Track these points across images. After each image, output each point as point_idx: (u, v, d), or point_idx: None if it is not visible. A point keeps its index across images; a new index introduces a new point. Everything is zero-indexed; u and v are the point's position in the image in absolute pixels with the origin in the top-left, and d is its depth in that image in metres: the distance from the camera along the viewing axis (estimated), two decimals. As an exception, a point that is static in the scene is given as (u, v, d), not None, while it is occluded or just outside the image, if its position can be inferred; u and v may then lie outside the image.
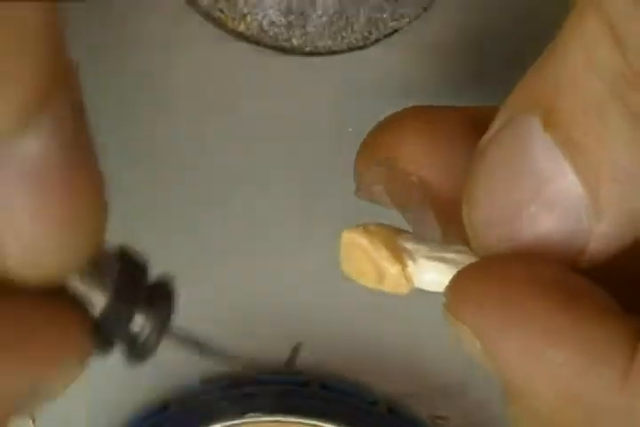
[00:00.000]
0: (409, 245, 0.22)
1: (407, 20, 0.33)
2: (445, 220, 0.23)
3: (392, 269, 0.22)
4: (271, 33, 0.32)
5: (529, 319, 0.19)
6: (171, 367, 0.35)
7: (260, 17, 0.32)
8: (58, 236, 0.18)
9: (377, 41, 0.33)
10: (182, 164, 0.34)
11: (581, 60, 0.19)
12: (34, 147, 0.17)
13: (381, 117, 0.25)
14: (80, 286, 0.20)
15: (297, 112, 0.34)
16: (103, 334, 0.20)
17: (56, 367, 0.19)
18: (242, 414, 0.34)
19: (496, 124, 0.21)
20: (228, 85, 0.33)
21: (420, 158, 0.23)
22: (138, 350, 0.21)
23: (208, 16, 0.32)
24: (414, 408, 0.37)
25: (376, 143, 0.24)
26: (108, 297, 0.20)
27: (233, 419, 0.34)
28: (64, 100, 0.17)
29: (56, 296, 0.20)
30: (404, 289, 0.22)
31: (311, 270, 0.35)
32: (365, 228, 0.22)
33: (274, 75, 0.33)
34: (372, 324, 0.36)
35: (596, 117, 0.19)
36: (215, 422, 0.34)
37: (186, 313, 0.35)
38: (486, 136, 0.21)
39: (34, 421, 0.36)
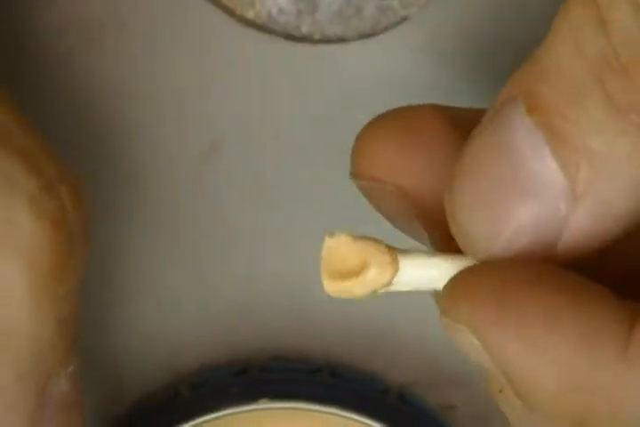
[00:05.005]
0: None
1: (416, 7, 0.33)
2: (431, 227, 0.23)
3: (378, 257, 0.22)
4: (280, 20, 0.32)
5: (523, 306, 0.19)
6: (180, 353, 0.35)
7: (269, 4, 0.32)
8: None
9: (387, 29, 0.33)
10: (187, 151, 0.34)
11: (566, 43, 0.19)
12: (65, 385, 0.23)
13: (391, 106, 0.25)
14: None
15: (306, 100, 0.34)
16: None
17: None
18: (251, 400, 0.34)
19: (489, 111, 0.20)
20: (237, 73, 0.33)
21: (395, 166, 0.23)
22: None
23: (217, 3, 0.32)
24: (424, 397, 0.37)
25: (353, 155, 0.24)
26: None
27: (242, 405, 0.34)
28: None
29: None
30: (385, 278, 0.22)
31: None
32: (348, 233, 0.22)
33: (283, 63, 0.33)
34: (383, 312, 0.36)
35: (576, 102, 0.19)
36: (225, 409, 0.34)
37: (199, 297, 0.35)
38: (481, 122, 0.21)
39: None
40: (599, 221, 0.19)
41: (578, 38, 0.19)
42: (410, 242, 0.24)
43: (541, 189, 0.19)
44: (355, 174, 0.24)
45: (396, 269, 0.21)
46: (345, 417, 0.34)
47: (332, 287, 0.22)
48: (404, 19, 0.33)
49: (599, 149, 0.19)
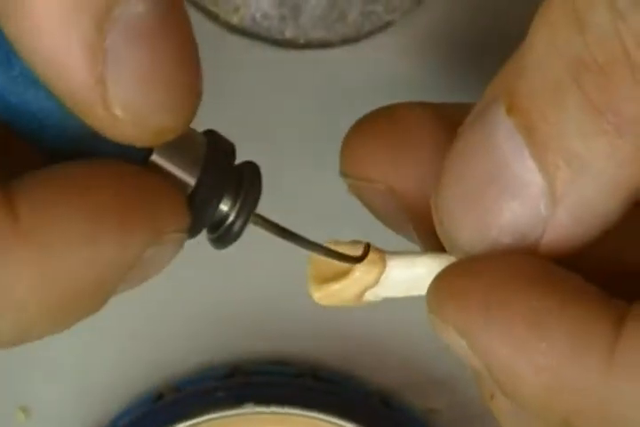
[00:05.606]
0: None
1: (400, 13, 0.33)
2: (419, 224, 0.23)
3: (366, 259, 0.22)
4: (264, 25, 0.32)
5: (510, 310, 0.19)
6: (165, 356, 0.35)
7: (253, 9, 0.32)
8: (163, 93, 0.18)
9: (370, 33, 0.33)
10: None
11: (544, 44, 0.19)
12: (139, 8, 0.18)
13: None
14: (170, 167, 0.20)
15: (291, 104, 0.34)
16: (193, 214, 0.20)
17: (160, 238, 0.19)
18: (235, 404, 0.34)
19: (474, 111, 0.20)
20: (221, 78, 0.33)
21: (383, 164, 0.23)
22: (224, 234, 0.21)
23: (200, 8, 0.32)
24: (408, 401, 0.37)
25: (342, 153, 0.24)
26: (198, 177, 0.20)
27: (226, 409, 0.34)
28: None
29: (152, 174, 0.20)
30: (373, 277, 0.22)
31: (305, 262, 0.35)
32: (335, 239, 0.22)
33: (267, 68, 0.33)
34: (367, 317, 0.36)
35: (554, 102, 0.19)
36: (208, 413, 0.34)
37: (186, 301, 0.35)
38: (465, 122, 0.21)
39: (25, 411, 0.36)
40: (579, 221, 0.19)
41: (556, 38, 0.19)
42: (404, 247, 0.24)
43: (522, 191, 0.19)
44: (344, 173, 0.24)
45: (383, 266, 0.21)
46: (329, 422, 0.34)
47: (319, 293, 0.22)
48: (389, 24, 0.33)
49: (578, 150, 0.19)
